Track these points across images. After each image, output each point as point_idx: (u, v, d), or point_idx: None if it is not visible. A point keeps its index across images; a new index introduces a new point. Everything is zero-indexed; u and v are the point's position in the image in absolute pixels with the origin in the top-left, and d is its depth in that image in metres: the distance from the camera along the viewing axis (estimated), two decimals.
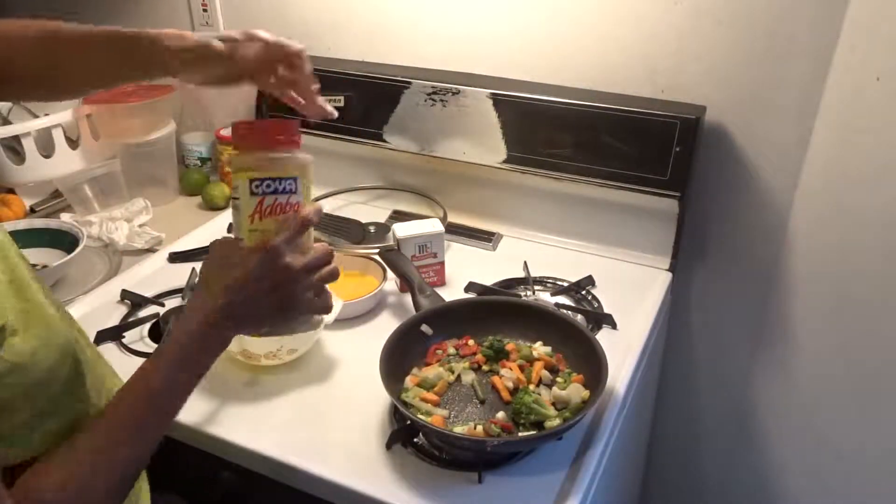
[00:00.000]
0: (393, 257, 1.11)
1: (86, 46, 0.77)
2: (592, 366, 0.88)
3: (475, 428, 0.82)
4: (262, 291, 0.68)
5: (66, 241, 1.21)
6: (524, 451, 0.84)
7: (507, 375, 0.90)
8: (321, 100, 0.80)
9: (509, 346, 0.95)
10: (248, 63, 0.75)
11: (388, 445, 0.84)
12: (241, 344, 0.93)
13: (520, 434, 0.82)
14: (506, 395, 0.88)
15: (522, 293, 1.14)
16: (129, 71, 0.78)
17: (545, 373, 0.91)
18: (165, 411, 0.67)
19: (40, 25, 0.78)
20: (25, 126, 1.32)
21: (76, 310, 1.10)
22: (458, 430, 0.83)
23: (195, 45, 0.74)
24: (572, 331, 0.94)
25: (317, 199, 1.38)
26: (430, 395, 0.88)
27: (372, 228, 1.31)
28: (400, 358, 0.91)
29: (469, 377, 0.91)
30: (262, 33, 0.76)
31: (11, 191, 1.41)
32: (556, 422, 0.83)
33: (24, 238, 1.20)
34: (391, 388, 0.84)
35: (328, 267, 0.73)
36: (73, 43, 0.77)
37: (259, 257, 0.68)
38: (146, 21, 1.59)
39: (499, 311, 1.00)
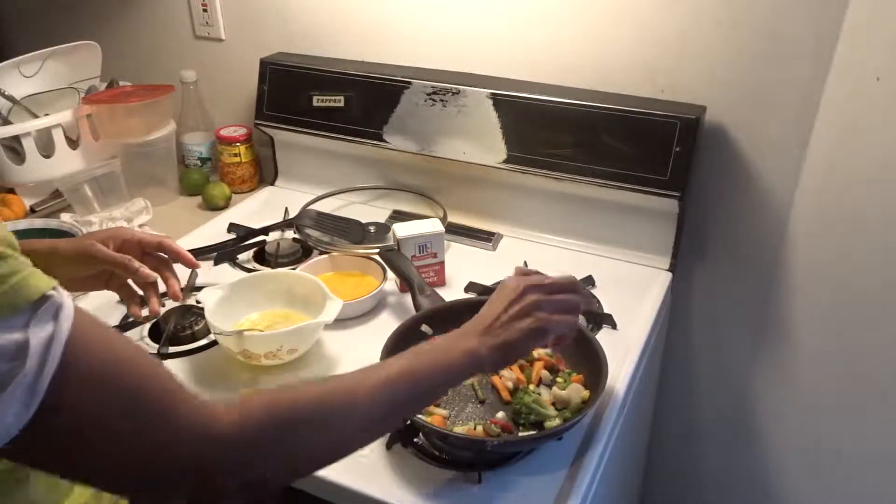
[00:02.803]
0: (393, 257, 1.11)
1: None
2: (593, 366, 0.88)
3: (475, 428, 0.82)
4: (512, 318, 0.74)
5: None
6: (524, 451, 0.84)
7: (507, 375, 0.90)
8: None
9: None
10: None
11: (388, 445, 0.84)
12: (241, 344, 0.93)
13: (520, 434, 0.82)
14: (505, 395, 0.88)
15: None
16: None
17: (545, 373, 0.91)
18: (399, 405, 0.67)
19: None
20: (25, 126, 1.32)
21: None
22: (458, 430, 0.83)
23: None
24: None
25: (317, 199, 1.38)
26: None
27: (372, 228, 1.31)
28: None
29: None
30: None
31: (11, 191, 1.41)
32: (557, 422, 0.83)
33: (24, 238, 1.20)
34: None
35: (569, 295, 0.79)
36: None
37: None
38: (146, 22, 1.59)
39: None
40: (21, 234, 1.19)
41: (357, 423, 0.63)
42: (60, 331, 0.47)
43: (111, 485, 0.54)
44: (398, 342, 0.91)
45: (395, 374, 0.66)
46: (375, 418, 0.64)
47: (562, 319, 0.76)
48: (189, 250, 1.24)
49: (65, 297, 0.49)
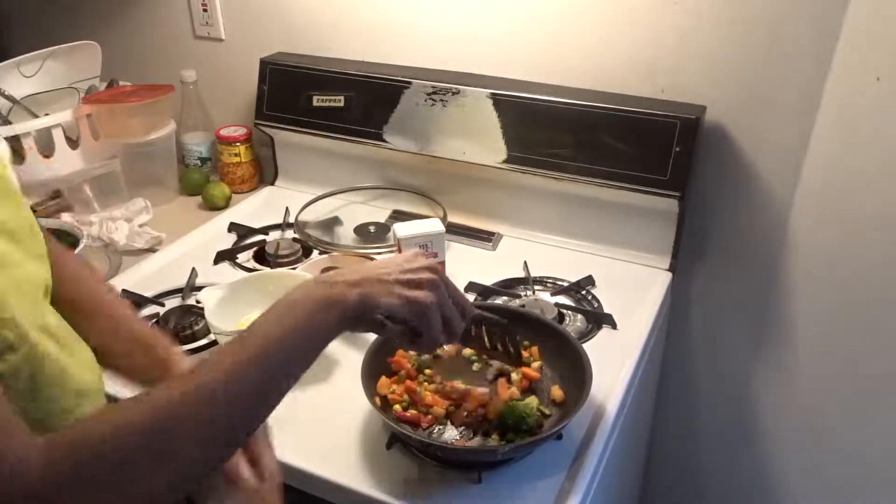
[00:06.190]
0: None
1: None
2: (575, 368, 0.86)
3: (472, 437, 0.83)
4: (401, 270, 0.65)
5: (66, 241, 1.20)
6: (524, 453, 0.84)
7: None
8: None
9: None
10: None
11: (388, 445, 0.84)
12: None
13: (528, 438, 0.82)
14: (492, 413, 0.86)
15: (522, 293, 1.14)
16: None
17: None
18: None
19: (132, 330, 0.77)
20: (25, 126, 1.32)
21: None
22: (449, 435, 0.83)
23: None
24: (544, 328, 0.93)
25: (317, 199, 1.38)
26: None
27: (372, 228, 1.31)
28: (377, 370, 0.89)
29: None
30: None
31: None
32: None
33: None
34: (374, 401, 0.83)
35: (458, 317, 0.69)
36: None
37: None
38: (146, 22, 1.59)
39: None
40: None
41: (198, 436, 0.53)
42: None
43: None
44: (372, 362, 0.88)
45: (239, 363, 0.57)
46: (230, 424, 0.56)
47: (452, 316, 0.66)
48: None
49: None
